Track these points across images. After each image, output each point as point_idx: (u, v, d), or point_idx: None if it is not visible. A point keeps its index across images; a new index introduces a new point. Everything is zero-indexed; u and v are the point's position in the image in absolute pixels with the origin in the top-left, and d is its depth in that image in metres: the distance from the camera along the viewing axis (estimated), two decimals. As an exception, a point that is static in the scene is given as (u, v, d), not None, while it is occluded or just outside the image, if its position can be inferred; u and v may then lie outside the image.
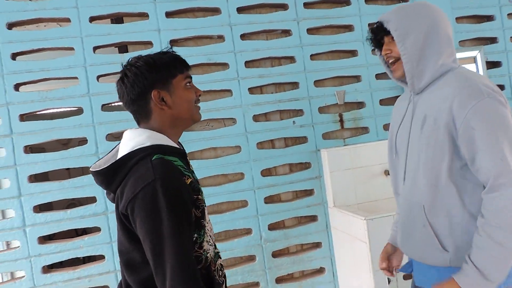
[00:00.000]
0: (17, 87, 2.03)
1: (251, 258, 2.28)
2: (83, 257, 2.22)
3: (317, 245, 2.39)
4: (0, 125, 1.99)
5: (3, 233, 1.99)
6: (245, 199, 2.26)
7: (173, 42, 2.21)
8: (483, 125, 1.08)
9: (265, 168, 2.29)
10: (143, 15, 2.18)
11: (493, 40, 2.74)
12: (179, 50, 2.15)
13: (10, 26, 2.03)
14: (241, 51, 2.28)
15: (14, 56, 2.03)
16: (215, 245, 1.17)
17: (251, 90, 2.31)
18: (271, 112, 2.36)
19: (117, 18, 2.20)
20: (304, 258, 2.34)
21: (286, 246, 2.32)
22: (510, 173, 1.05)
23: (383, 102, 2.49)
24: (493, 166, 1.07)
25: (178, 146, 1.12)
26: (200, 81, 2.22)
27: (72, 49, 2.08)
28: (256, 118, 2.31)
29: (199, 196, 1.08)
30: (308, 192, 2.40)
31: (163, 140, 1.08)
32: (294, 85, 2.38)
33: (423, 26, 1.18)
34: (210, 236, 1.13)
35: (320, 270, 2.40)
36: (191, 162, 2.14)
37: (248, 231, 2.28)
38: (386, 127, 2.48)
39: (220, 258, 1.19)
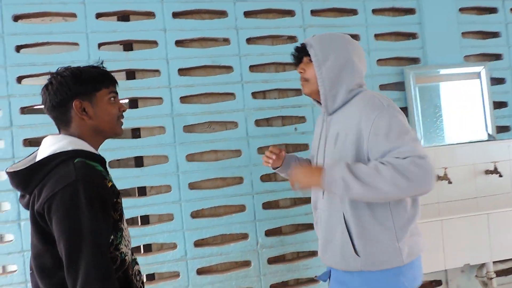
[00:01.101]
0: (19, 79, 2.03)
1: (247, 264, 2.27)
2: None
3: (313, 253, 2.38)
4: (1, 117, 1.99)
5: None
6: (243, 204, 2.26)
7: (178, 43, 2.21)
8: (387, 128, 1.23)
9: (265, 173, 2.29)
10: (150, 14, 2.19)
11: (498, 57, 2.76)
12: (184, 51, 2.19)
13: (16, 18, 2.04)
14: (246, 55, 2.29)
15: (18, 48, 2.03)
16: (132, 252, 1.21)
17: (254, 95, 2.32)
18: (273, 118, 2.37)
19: (124, 16, 2.21)
20: (300, 266, 2.33)
21: (282, 253, 2.31)
22: (419, 153, 1.18)
23: (385, 113, 2.50)
24: (404, 150, 1.20)
25: (98, 153, 1.16)
26: (203, 83, 2.22)
27: (77, 44, 2.09)
28: (258, 123, 2.31)
29: (118, 200, 1.12)
30: (307, 200, 2.39)
31: (84, 146, 1.12)
32: (298, 91, 2.38)
33: (339, 58, 1.36)
34: (128, 241, 1.18)
35: (315, 280, 2.38)
36: (191, 163, 2.16)
37: (244, 236, 2.27)
38: (387, 138, 2.48)
39: (138, 264, 1.23)
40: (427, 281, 2.50)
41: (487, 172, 2.56)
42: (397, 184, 1.14)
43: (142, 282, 1.24)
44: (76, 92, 1.11)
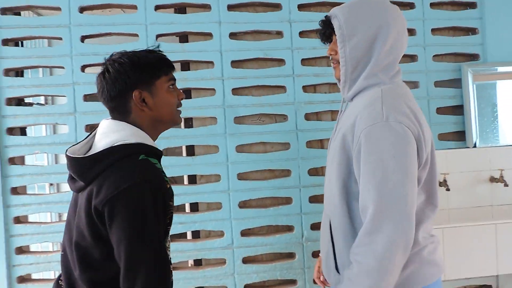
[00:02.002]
0: (83, 68, 2.17)
1: (291, 256, 2.31)
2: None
3: (358, 250, 2.39)
4: (66, 103, 2.13)
5: (60, 205, 2.13)
6: (290, 196, 2.30)
7: (232, 35, 2.27)
8: (367, 150, 1.00)
9: (313, 167, 2.32)
10: (206, 7, 2.26)
11: None
12: (237, 44, 2.24)
13: (82, 10, 2.17)
14: (298, 48, 2.31)
15: (83, 38, 2.16)
16: None
17: (305, 88, 2.34)
18: (323, 112, 2.38)
19: (180, 8, 2.29)
20: (344, 261, 2.35)
21: (326, 248, 2.33)
22: (382, 216, 0.97)
23: (440, 110, 2.45)
24: (367, 198, 1.00)
25: (159, 149, 1.11)
26: (255, 75, 2.27)
27: (136, 35, 2.19)
28: (307, 116, 2.33)
29: (171, 202, 1.07)
30: (353, 196, 2.40)
31: (146, 139, 1.07)
32: (349, 86, 2.38)
33: (368, 30, 1.08)
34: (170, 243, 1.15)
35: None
36: (240, 154, 2.23)
37: (290, 228, 2.32)
38: (441, 136, 2.44)
39: None
40: (477, 286, 2.45)
41: (547, 176, 2.45)
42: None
43: None
44: (136, 81, 1.06)
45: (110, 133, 1.05)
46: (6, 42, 2.11)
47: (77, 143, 1.11)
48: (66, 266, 1.09)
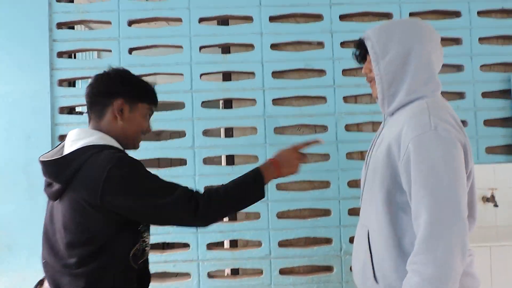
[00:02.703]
0: (130, 79, 2.28)
1: (329, 269, 2.30)
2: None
3: (399, 265, 2.34)
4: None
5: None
6: (329, 208, 2.30)
7: (274, 46, 2.32)
8: (418, 159, 1.02)
9: (352, 179, 2.31)
10: (248, 18, 2.32)
11: None
12: (279, 54, 2.28)
13: (130, 23, 2.29)
14: (340, 58, 2.32)
15: (130, 50, 2.28)
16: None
17: (346, 99, 2.34)
18: (364, 123, 2.37)
19: (223, 20, 2.36)
20: (384, 277, 2.31)
21: (366, 262, 2.31)
22: (439, 224, 0.98)
23: (488, 123, 2.37)
24: (420, 206, 1.01)
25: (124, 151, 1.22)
26: (295, 86, 2.30)
27: (181, 47, 2.29)
28: (348, 127, 2.33)
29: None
30: (395, 209, 2.36)
31: (113, 143, 1.18)
32: (391, 97, 2.36)
33: (401, 48, 1.14)
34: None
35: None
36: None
37: (328, 241, 2.31)
38: (489, 150, 2.36)
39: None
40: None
41: None
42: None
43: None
44: (126, 92, 1.20)
45: (79, 139, 1.16)
46: (60, 54, 2.27)
47: (48, 152, 1.22)
48: (50, 273, 1.17)
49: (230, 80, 2.36)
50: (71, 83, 2.40)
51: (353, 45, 1.30)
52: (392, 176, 1.11)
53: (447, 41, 2.40)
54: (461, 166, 1.03)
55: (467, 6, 2.39)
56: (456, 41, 2.40)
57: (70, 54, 2.38)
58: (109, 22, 2.28)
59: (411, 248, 1.05)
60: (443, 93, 2.41)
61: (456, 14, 2.40)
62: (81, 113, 2.39)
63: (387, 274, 1.12)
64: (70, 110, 2.36)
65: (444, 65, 2.39)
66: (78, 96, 2.24)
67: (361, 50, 1.26)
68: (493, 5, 2.40)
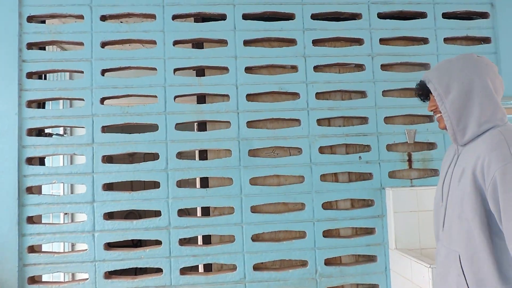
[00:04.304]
0: (102, 100, 2.30)
1: (304, 292, 2.34)
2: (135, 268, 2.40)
3: (373, 287, 2.40)
4: (84, 134, 2.25)
5: (74, 235, 2.22)
6: (304, 230, 2.35)
7: (248, 70, 2.40)
8: (506, 188, 1.14)
9: (327, 201, 2.38)
10: (223, 42, 2.40)
11: None
12: (253, 77, 2.36)
13: (103, 44, 2.33)
14: (313, 82, 2.42)
15: (103, 72, 2.31)
16: None
17: (319, 122, 2.43)
18: (337, 145, 2.46)
19: (198, 43, 2.43)
20: (359, 299, 2.36)
21: (341, 284, 2.36)
22: None
23: None
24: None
25: None
26: (269, 108, 2.38)
27: (154, 69, 2.33)
28: (321, 150, 2.41)
29: None
30: (369, 231, 2.44)
31: None
32: (363, 120, 2.47)
33: (462, 85, 1.26)
34: None
35: (375, 315, 2.40)
36: (254, 187, 2.29)
37: (303, 263, 2.36)
38: (457, 171, 2.48)
39: None
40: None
41: None
42: None
43: None
44: None
45: None
46: (30, 75, 2.28)
47: None
48: None
49: (205, 102, 2.41)
50: (41, 104, 2.39)
51: (415, 86, 1.44)
52: (483, 204, 1.22)
53: (415, 66, 2.54)
54: None
55: (434, 33, 2.54)
56: (425, 66, 2.54)
57: (41, 75, 2.38)
58: (81, 43, 2.30)
59: (509, 270, 1.18)
60: (412, 116, 2.54)
61: (424, 40, 2.56)
62: (50, 134, 2.38)
63: None
64: (39, 132, 2.35)
65: (413, 89, 2.52)
66: (47, 117, 2.24)
67: (423, 91, 1.41)
68: (459, 33, 2.57)
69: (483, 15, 2.62)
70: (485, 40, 2.61)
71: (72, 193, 3.44)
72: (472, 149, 1.28)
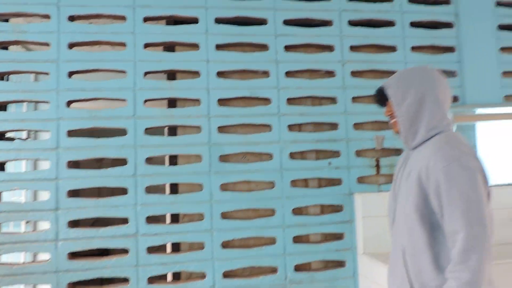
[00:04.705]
0: (69, 103, 2.23)
1: (274, 298, 2.34)
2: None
3: (343, 292, 2.44)
4: (49, 138, 2.18)
5: (36, 245, 2.14)
6: (274, 236, 2.36)
7: (220, 74, 2.39)
8: (449, 186, 1.28)
9: (297, 206, 2.39)
10: (194, 46, 2.38)
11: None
12: (225, 82, 2.36)
13: (71, 46, 2.26)
14: (284, 88, 2.44)
15: (70, 74, 2.25)
16: None
17: (290, 127, 2.45)
18: (308, 151, 2.49)
19: (170, 46, 2.40)
20: (329, 304, 2.39)
21: (311, 290, 2.38)
22: (473, 238, 1.23)
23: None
24: (456, 225, 1.26)
25: None
26: (241, 114, 2.38)
27: (124, 72, 2.29)
28: (292, 155, 2.43)
29: None
30: (338, 236, 2.47)
31: None
32: (333, 126, 2.51)
33: (416, 93, 1.41)
34: None
35: (344, 319, 2.43)
36: (225, 193, 2.28)
37: (273, 270, 2.36)
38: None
39: None
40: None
41: None
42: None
43: None
44: None
45: None
46: (-9, 76, 2.18)
47: None
48: None
49: (175, 106, 2.39)
50: (3, 106, 2.30)
51: (375, 92, 1.56)
52: (425, 201, 1.36)
53: (384, 73, 2.61)
54: (483, 190, 1.28)
55: (403, 41, 2.62)
56: (393, 73, 2.60)
57: (3, 76, 2.29)
58: (47, 44, 2.23)
59: (446, 261, 1.30)
60: (381, 123, 2.59)
61: (393, 48, 2.63)
62: (12, 139, 2.29)
63: (426, 284, 1.33)
64: (0, 136, 2.25)
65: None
66: (9, 120, 2.15)
67: (381, 96, 1.53)
68: (425, 42, 2.66)
69: (448, 25, 2.72)
70: (450, 50, 2.71)
71: (34, 200, 3.31)
72: (421, 152, 1.41)
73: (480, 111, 2.66)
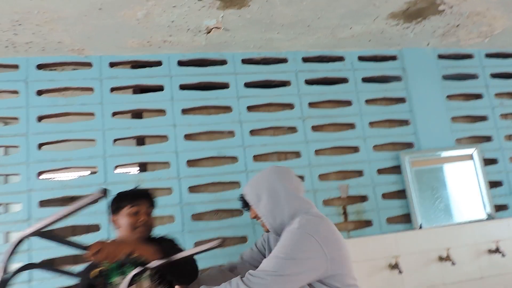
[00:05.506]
0: (39, 174, 2.29)
1: None
2: None
3: None
4: (20, 210, 2.20)
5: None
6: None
7: (187, 137, 2.52)
8: (279, 247, 1.41)
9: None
10: (161, 111, 2.52)
11: (488, 139, 3.06)
12: (192, 144, 2.47)
13: (40, 119, 2.35)
14: (250, 145, 2.58)
15: (40, 146, 2.32)
16: None
17: (259, 182, 2.56)
18: (277, 204, 2.59)
19: (137, 113, 2.53)
20: None
21: None
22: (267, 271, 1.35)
23: (385, 196, 2.73)
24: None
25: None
26: (210, 173, 2.48)
27: (93, 140, 2.38)
28: (262, 209, 2.52)
29: None
30: (313, 286, 2.52)
31: None
32: (300, 178, 2.63)
33: (268, 191, 1.56)
34: None
35: None
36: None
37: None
38: (389, 220, 2.70)
39: None
40: None
41: (490, 251, 2.71)
42: None
43: None
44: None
45: None
46: (-40, 153, 2.23)
47: None
48: None
49: (146, 170, 2.47)
50: (-28, 182, 2.33)
51: (239, 200, 1.73)
52: None
53: (343, 126, 2.80)
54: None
55: (356, 96, 2.85)
56: (351, 125, 2.81)
57: (-28, 152, 2.34)
58: (16, 118, 2.32)
59: None
60: (344, 172, 2.75)
61: (348, 103, 2.84)
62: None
63: None
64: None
65: (342, 147, 2.75)
66: (-21, 196, 2.18)
67: (245, 203, 1.69)
68: (377, 95, 2.89)
69: (397, 78, 2.98)
70: (401, 100, 2.95)
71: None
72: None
73: (436, 155, 2.87)
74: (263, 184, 1.58)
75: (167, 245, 1.70)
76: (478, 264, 2.69)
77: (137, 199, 1.76)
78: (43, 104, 2.36)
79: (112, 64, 2.52)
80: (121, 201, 1.76)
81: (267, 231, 1.63)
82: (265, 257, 1.62)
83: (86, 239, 2.26)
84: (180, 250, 1.66)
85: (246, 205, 1.69)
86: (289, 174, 1.63)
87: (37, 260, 2.17)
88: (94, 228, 2.29)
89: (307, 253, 1.37)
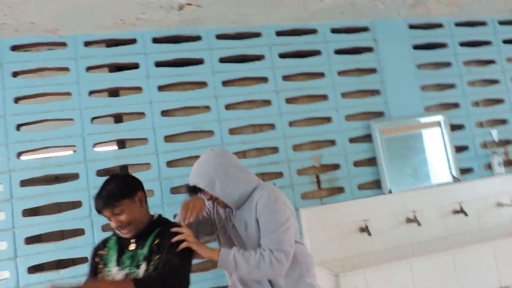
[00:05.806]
0: (19, 155, 2.34)
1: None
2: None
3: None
4: (2, 191, 2.27)
5: (-3, 294, 2.21)
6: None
7: (164, 113, 2.58)
8: (269, 220, 1.67)
9: (248, 227, 2.59)
10: (138, 89, 2.56)
11: (456, 106, 3.19)
12: (169, 120, 2.54)
13: (16, 100, 2.38)
14: (225, 119, 2.66)
15: (18, 127, 2.36)
16: None
17: (235, 155, 2.65)
18: (253, 175, 2.70)
19: (114, 92, 2.57)
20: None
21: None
22: (280, 247, 1.61)
23: (357, 163, 2.87)
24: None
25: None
26: (187, 147, 2.57)
27: (71, 120, 2.43)
28: (239, 180, 2.64)
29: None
30: (289, 250, 2.68)
31: None
32: (274, 150, 2.74)
33: (218, 175, 1.69)
34: None
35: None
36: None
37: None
38: (360, 186, 2.84)
39: None
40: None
41: (455, 212, 2.90)
42: (258, 271, 1.60)
43: None
44: None
45: None
46: None
47: None
48: None
49: (124, 147, 2.54)
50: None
51: (187, 191, 1.78)
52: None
53: (315, 97, 2.89)
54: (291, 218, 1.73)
55: (329, 68, 2.92)
56: (324, 97, 2.90)
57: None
58: (-7, 100, 2.35)
59: None
60: (317, 142, 2.84)
61: (321, 75, 2.92)
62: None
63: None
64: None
65: (315, 118, 2.85)
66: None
67: (195, 191, 1.76)
68: (350, 66, 2.97)
69: (369, 49, 3.05)
70: (372, 71, 3.03)
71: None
72: (247, 206, 1.73)
73: (404, 123, 2.99)
74: (213, 169, 1.70)
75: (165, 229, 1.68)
76: (444, 224, 2.89)
77: (98, 210, 1.63)
78: (19, 86, 2.39)
79: (87, 43, 2.53)
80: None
81: (224, 207, 1.79)
82: (213, 222, 1.89)
83: (69, 216, 2.35)
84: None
85: (195, 192, 1.78)
86: (229, 154, 1.81)
87: (21, 238, 2.26)
88: (80, 232, 2.38)
89: (288, 216, 1.70)
